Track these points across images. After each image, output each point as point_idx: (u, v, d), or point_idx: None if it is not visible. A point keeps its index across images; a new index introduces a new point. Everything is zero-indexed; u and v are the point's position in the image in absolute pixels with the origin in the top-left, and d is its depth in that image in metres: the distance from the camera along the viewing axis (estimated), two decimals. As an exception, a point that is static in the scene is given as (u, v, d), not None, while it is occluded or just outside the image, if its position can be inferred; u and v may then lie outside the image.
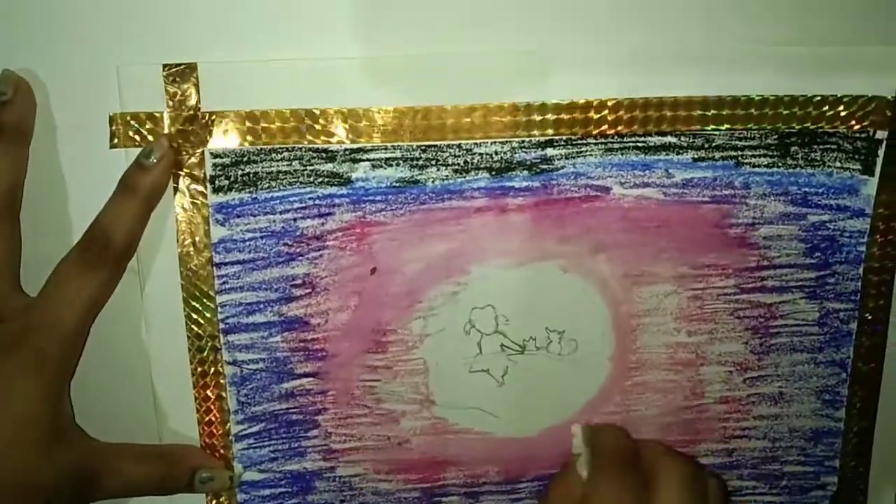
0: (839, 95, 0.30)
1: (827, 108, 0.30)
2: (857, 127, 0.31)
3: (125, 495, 0.31)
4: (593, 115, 0.30)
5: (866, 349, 0.34)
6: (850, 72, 0.30)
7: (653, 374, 0.34)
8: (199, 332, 0.32)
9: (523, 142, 0.30)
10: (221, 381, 0.32)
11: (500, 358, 0.33)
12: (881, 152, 0.31)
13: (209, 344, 0.32)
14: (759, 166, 0.31)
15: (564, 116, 0.30)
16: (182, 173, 0.30)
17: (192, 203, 0.30)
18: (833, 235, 0.32)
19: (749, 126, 0.30)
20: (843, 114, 0.30)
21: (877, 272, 0.33)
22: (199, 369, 0.32)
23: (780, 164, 0.31)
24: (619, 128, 0.30)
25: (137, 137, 0.29)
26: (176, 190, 0.30)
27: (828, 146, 0.31)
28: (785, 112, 0.30)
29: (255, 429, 0.33)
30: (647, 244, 0.32)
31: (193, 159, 0.30)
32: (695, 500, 0.28)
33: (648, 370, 0.34)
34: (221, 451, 0.33)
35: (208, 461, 0.32)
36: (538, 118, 0.30)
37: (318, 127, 0.29)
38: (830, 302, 0.33)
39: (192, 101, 0.29)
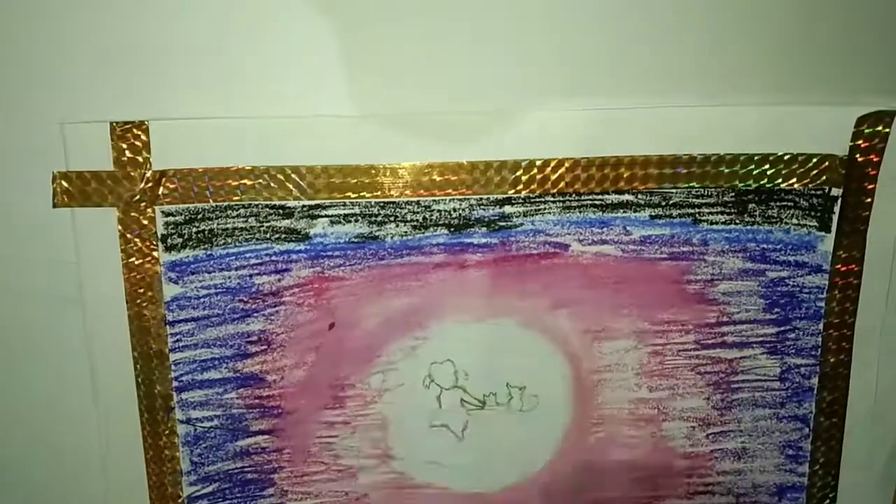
0: (794, 154, 0.31)
1: (782, 166, 0.31)
2: (812, 185, 0.31)
3: None
4: (550, 173, 0.30)
5: (828, 403, 0.34)
6: (806, 131, 0.30)
7: (615, 429, 0.33)
8: (151, 391, 0.31)
9: (481, 199, 0.30)
10: (174, 441, 0.32)
11: (459, 413, 0.32)
12: (836, 209, 0.31)
13: (161, 404, 0.31)
14: (716, 223, 0.31)
15: (522, 175, 0.30)
16: (130, 234, 0.30)
17: (143, 262, 0.30)
18: (792, 291, 0.32)
19: (706, 184, 0.31)
20: (798, 172, 0.31)
21: (836, 327, 0.33)
22: (150, 430, 0.31)
23: (737, 221, 0.31)
24: (577, 186, 0.30)
25: (81, 196, 0.29)
26: (124, 250, 0.30)
27: (784, 203, 0.31)
28: (741, 170, 0.31)
29: (208, 489, 0.32)
30: (607, 300, 0.32)
31: (144, 219, 0.29)
32: None
33: (610, 426, 0.33)
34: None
35: None
36: (496, 176, 0.30)
37: (273, 184, 0.29)
38: (791, 357, 0.33)
39: (142, 160, 0.29)
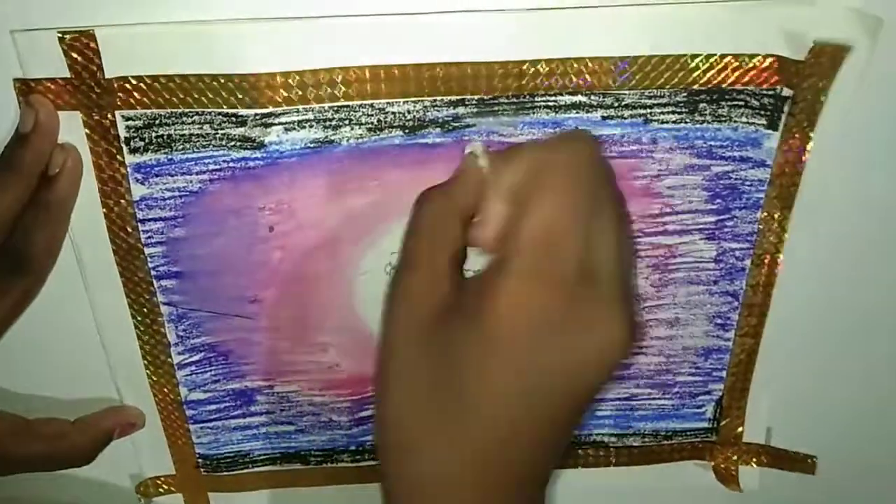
0: (748, 54, 0.30)
1: (736, 65, 0.31)
2: (765, 85, 0.31)
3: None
4: (503, 76, 0.30)
5: (757, 281, 0.37)
6: (759, 30, 0.30)
7: (560, 305, 0.36)
8: (134, 278, 0.34)
9: (435, 101, 0.30)
10: (160, 319, 0.35)
11: (418, 296, 0.35)
12: (786, 108, 0.32)
13: (144, 288, 0.34)
14: (666, 122, 0.32)
15: (475, 77, 0.30)
16: (97, 136, 0.30)
17: (110, 163, 0.31)
18: (735, 184, 0.34)
19: (659, 84, 0.31)
20: (751, 72, 0.31)
21: (773, 216, 0.35)
22: (138, 309, 0.34)
23: (687, 120, 0.32)
24: (529, 88, 0.30)
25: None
26: (93, 150, 0.31)
27: (735, 103, 0.32)
28: (694, 72, 0.31)
29: (195, 358, 0.36)
30: (556, 196, 0.33)
31: (105, 122, 0.30)
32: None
33: (556, 303, 0.36)
34: (167, 377, 0.36)
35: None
36: (448, 79, 0.30)
37: (224, 93, 0.29)
38: (728, 242, 0.36)
39: (94, 68, 0.29)
